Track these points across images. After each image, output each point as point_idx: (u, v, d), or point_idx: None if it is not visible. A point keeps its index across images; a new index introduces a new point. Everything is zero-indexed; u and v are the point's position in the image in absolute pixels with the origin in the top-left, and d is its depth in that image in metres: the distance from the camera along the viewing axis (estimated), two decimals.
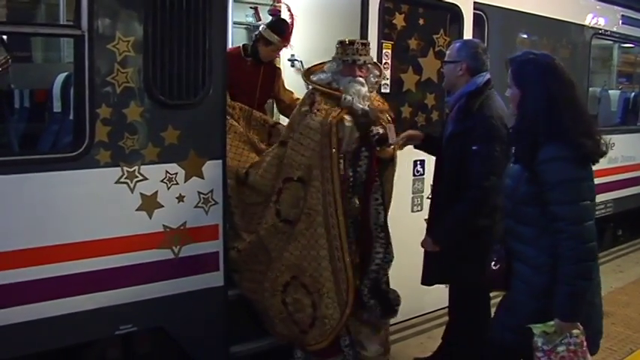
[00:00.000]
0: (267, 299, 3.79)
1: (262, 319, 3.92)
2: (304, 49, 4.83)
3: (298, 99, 4.39)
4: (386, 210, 3.80)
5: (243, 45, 4.78)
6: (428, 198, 4.61)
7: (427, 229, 3.83)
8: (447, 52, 3.88)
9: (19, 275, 3.00)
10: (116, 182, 3.25)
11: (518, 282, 2.77)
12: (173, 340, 3.60)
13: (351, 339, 3.82)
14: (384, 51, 4.50)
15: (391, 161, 3.85)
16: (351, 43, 3.71)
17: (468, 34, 5.02)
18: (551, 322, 2.58)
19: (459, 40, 4.27)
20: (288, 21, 4.54)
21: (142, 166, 3.32)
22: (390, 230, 3.80)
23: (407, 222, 4.23)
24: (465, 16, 5.01)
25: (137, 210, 3.33)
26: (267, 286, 3.79)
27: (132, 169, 3.29)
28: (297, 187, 3.68)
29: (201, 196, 3.55)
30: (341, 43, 3.72)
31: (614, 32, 7.44)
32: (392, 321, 4.08)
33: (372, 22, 4.38)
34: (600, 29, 7.13)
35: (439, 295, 4.37)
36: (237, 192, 3.94)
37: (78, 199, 3.15)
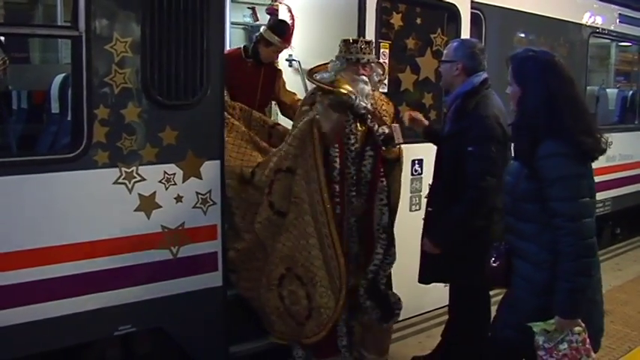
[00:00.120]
0: (264, 294, 3.80)
1: (261, 318, 3.92)
2: (302, 49, 4.83)
3: (300, 100, 4.39)
4: (391, 211, 3.81)
5: (244, 46, 4.78)
6: (425, 198, 4.60)
7: (424, 230, 3.81)
8: (444, 52, 3.87)
9: (17, 276, 3.00)
10: (114, 183, 3.25)
11: (519, 279, 2.77)
12: (172, 340, 3.60)
13: (349, 340, 3.82)
14: (381, 50, 4.50)
15: (397, 161, 3.87)
16: (355, 41, 3.75)
17: (465, 33, 5.02)
18: (552, 320, 2.57)
19: (456, 39, 4.26)
20: (289, 22, 4.55)
21: (140, 167, 3.31)
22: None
23: (405, 221, 4.23)
24: (462, 15, 5.01)
25: (135, 210, 3.33)
26: (264, 282, 3.80)
27: (130, 170, 3.29)
28: (287, 178, 3.70)
29: (200, 196, 3.55)
30: (345, 41, 3.75)
31: (611, 31, 7.45)
32: None
33: (370, 22, 4.38)
34: (598, 28, 7.14)
35: (438, 294, 4.37)
36: (239, 192, 3.93)
37: (76, 199, 3.15)
